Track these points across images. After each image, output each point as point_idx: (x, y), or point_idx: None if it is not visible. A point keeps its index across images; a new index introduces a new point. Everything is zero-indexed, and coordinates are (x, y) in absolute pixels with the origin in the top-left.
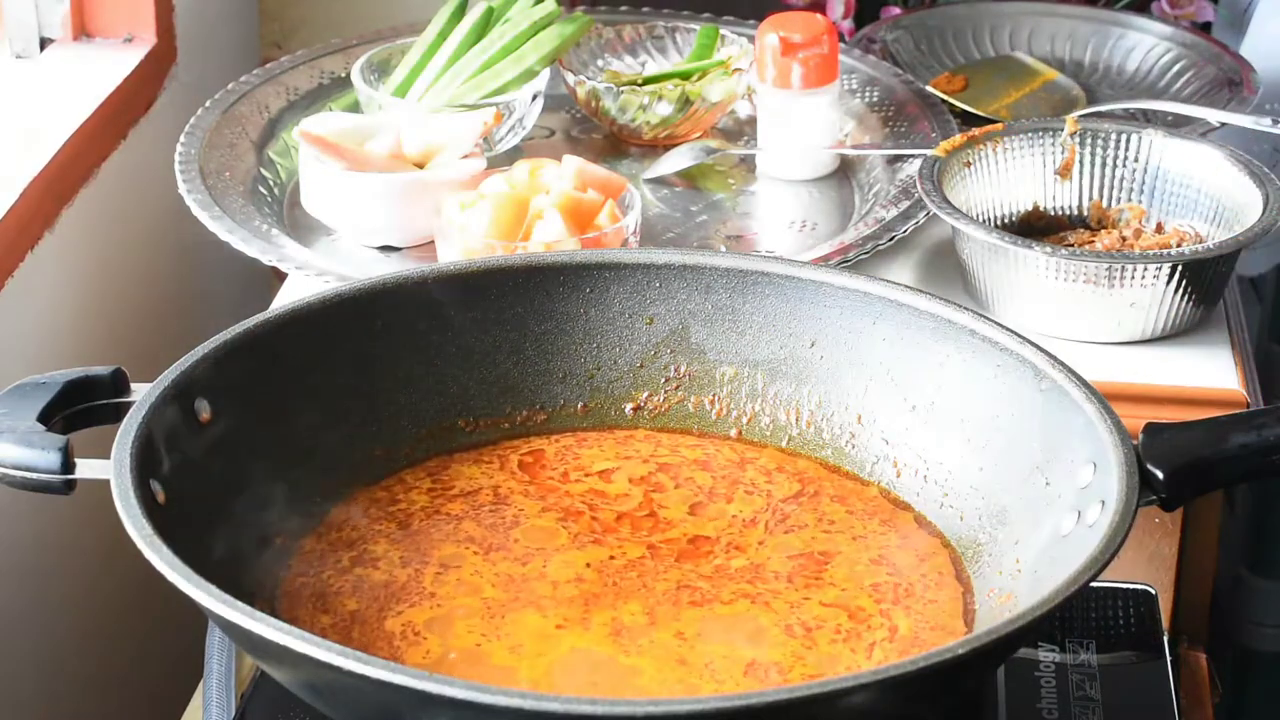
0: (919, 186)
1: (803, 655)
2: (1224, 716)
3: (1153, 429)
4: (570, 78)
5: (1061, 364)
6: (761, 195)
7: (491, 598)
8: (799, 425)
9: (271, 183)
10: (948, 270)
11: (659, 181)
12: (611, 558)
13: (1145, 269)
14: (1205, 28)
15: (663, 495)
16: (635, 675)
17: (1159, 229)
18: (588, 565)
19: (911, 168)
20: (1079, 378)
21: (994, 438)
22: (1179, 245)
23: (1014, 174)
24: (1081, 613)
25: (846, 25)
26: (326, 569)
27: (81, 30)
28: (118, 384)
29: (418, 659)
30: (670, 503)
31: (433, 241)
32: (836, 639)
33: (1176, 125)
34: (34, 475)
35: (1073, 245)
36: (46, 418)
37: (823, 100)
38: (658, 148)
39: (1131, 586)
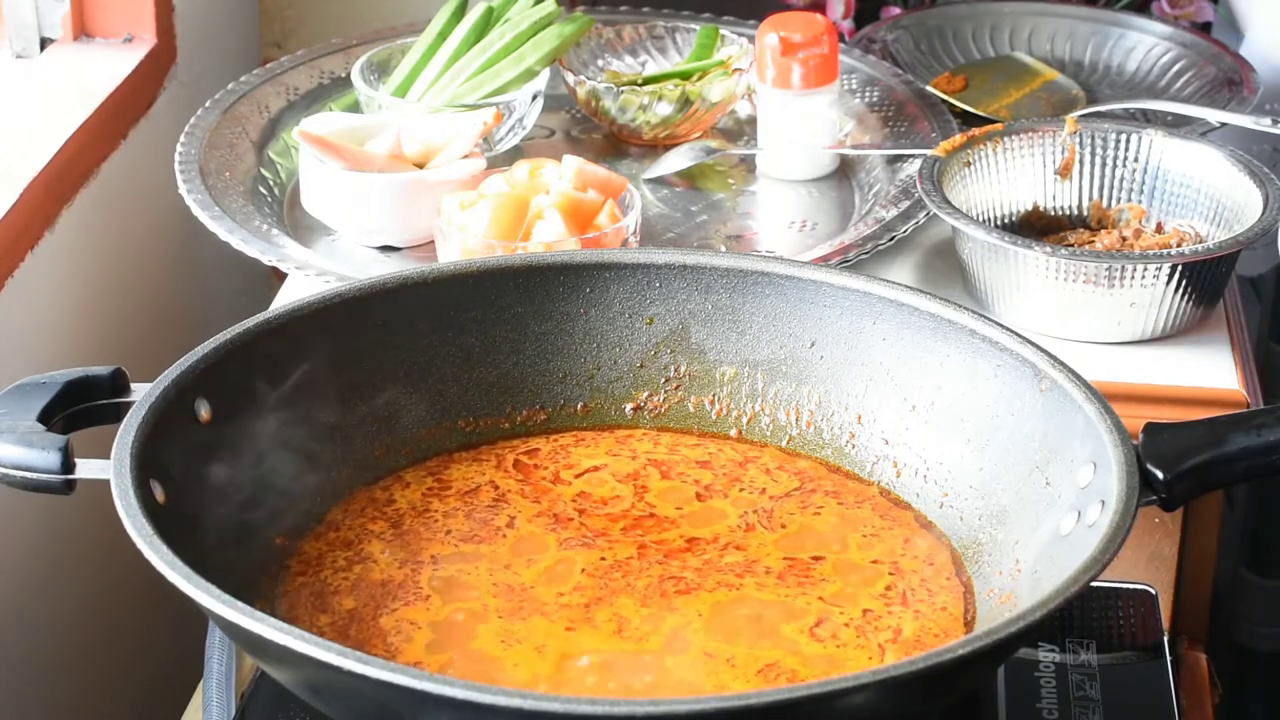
0: (919, 186)
1: (812, 655)
2: (1224, 716)
3: (1153, 429)
4: (570, 78)
5: (1061, 364)
6: (761, 195)
7: (491, 599)
8: (799, 425)
9: (271, 183)
10: (948, 270)
11: (659, 181)
12: (601, 558)
13: (1145, 269)
14: (1205, 28)
15: (659, 495)
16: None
17: (1159, 229)
18: (583, 571)
19: (911, 168)
20: (1079, 378)
21: (994, 438)
22: (1179, 245)
23: (1014, 174)
24: (1081, 613)
25: (846, 25)
26: (324, 568)
27: (81, 30)
28: (118, 384)
29: (414, 656)
30: (666, 502)
31: (433, 241)
32: (846, 639)
33: (1176, 125)
34: (34, 475)
35: (1073, 245)
36: (46, 418)
37: (823, 100)
38: (658, 148)
39: (1131, 586)
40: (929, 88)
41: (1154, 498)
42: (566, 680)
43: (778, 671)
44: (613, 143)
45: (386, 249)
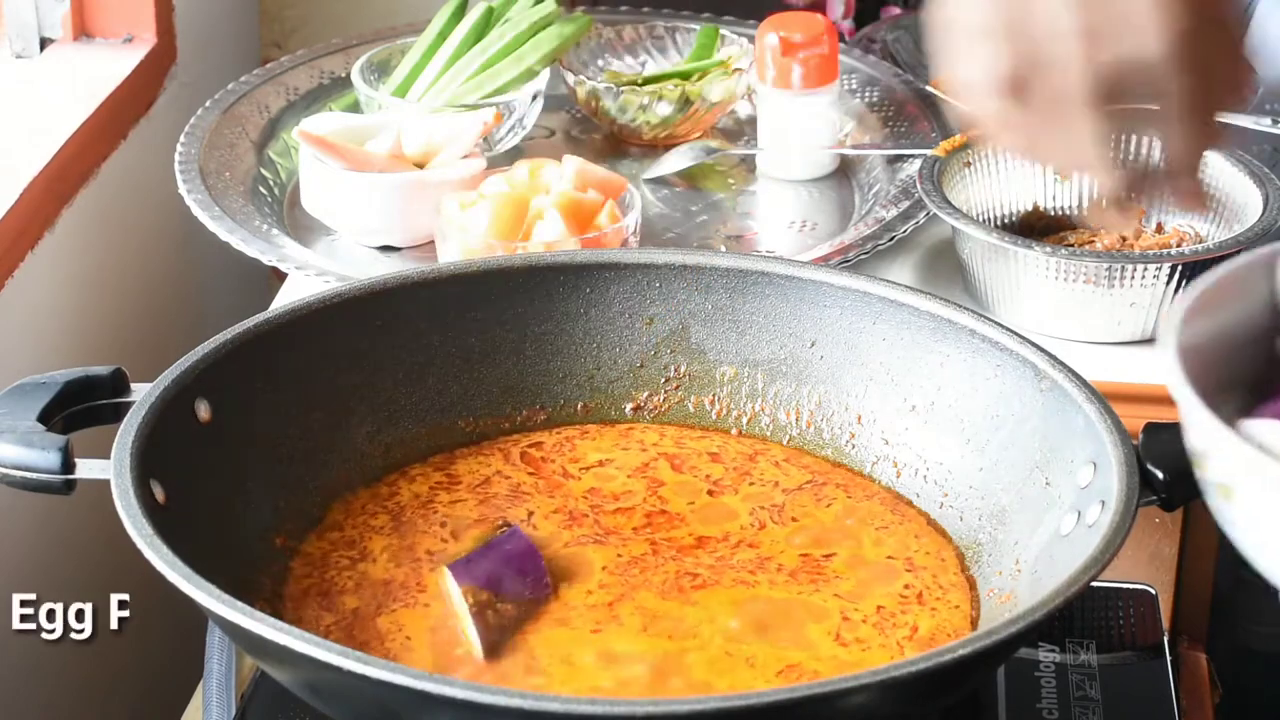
0: (919, 186)
1: (833, 656)
2: (1224, 716)
3: (1153, 429)
4: (570, 78)
5: (1061, 364)
6: (761, 195)
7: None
8: (799, 425)
9: (271, 183)
10: (948, 270)
11: (659, 181)
12: (618, 555)
13: (1145, 269)
14: None
15: (672, 490)
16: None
17: (1159, 229)
18: (603, 568)
19: (911, 168)
20: (1079, 378)
21: (994, 438)
22: (1179, 245)
23: (1014, 174)
24: (1081, 613)
25: (846, 25)
26: (328, 568)
27: (81, 30)
28: (118, 384)
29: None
30: (679, 497)
31: (433, 241)
32: (866, 637)
33: None
34: (34, 475)
35: (1073, 245)
36: (46, 418)
37: (823, 100)
38: (658, 148)
39: (1131, 586)
40: (929, 88)
41: (1154, 498)
42: (591, 681)
43: (799, 673)
44: (613, 143)
45: (386, 249)
